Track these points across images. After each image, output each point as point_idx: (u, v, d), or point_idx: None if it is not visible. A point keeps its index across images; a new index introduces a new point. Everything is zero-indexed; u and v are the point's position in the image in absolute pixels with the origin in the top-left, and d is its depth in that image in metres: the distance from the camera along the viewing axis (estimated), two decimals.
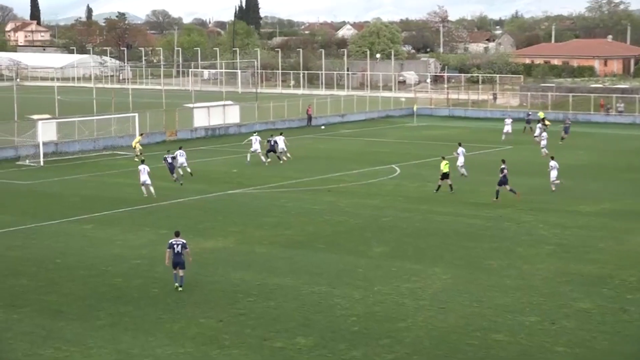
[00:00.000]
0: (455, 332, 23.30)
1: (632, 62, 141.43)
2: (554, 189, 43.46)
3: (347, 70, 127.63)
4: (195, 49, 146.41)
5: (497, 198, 41.07)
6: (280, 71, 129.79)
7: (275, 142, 54.59)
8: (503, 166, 41.59)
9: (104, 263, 30.30)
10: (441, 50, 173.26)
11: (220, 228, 35.88)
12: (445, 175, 43.09)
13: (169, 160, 46.82)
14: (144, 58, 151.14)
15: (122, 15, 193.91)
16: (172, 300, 26.01)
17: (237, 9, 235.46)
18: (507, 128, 67.33)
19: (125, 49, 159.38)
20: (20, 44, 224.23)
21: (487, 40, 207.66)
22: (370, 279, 28.18)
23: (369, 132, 74.25)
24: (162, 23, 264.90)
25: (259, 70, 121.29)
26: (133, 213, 39.21)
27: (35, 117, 60.84)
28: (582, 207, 40.19)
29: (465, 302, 25.75)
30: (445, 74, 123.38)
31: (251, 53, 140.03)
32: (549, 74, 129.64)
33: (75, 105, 78.59)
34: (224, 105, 75.11)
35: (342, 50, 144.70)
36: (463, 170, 47.62)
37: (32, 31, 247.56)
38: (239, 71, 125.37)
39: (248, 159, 53.79)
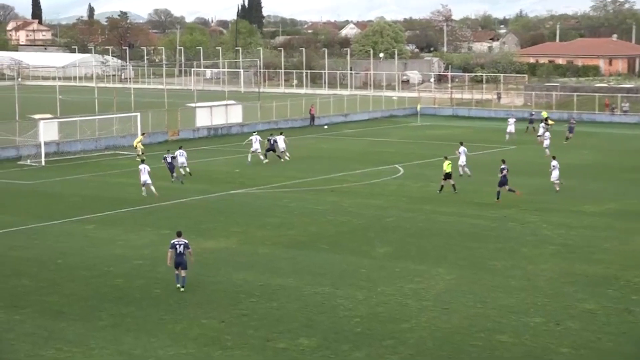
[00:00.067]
0: (459, 333, 23.18)
1: (637, 61, 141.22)
2: (558, 189, 43.29)
3: (350, 70, 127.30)
4: (197, 48, 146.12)
5: (498, 199, 40.90)
6: (283, 70, 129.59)
7: (275, 141, 54.46)
8: (503, 166, 41.39)
9: (106, 263, 30.20)
10: (445, 49, 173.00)
11: (223, 228, 35.75)
12: (447, 176, 42.96)
13: (169, 159, 46.67)
14: (146, 57, 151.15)
15: (124, 14, 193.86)
16: (174, 301, 25.90)
17: (240, 8, 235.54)
18: (510, 128, 67.17)
19: (127, 48, 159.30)
20: (21, 43, 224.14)
21: (491, 39, 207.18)
22: (373, 280, 28.05)
23: (372, 131, 74.10)
24: (164, 22, 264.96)
25: (262, 70, 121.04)
26: (135, 213, 39.09)
27: (36, 116, 60.74)
28: (587, 207, 40.05)
29: (469, 303, 25.62)
30: (449, 74, 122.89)
31: (254, 52, 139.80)
32: (554, 74, 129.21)
33: (77, 105, 78.40)
34: (226, 104, 75.01)
35: (345, 49, 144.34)
36: (466, 170, 47.52)
37: (33, 30, 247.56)
38: (241, 70, 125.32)
39: (249, 159, 53.64)
